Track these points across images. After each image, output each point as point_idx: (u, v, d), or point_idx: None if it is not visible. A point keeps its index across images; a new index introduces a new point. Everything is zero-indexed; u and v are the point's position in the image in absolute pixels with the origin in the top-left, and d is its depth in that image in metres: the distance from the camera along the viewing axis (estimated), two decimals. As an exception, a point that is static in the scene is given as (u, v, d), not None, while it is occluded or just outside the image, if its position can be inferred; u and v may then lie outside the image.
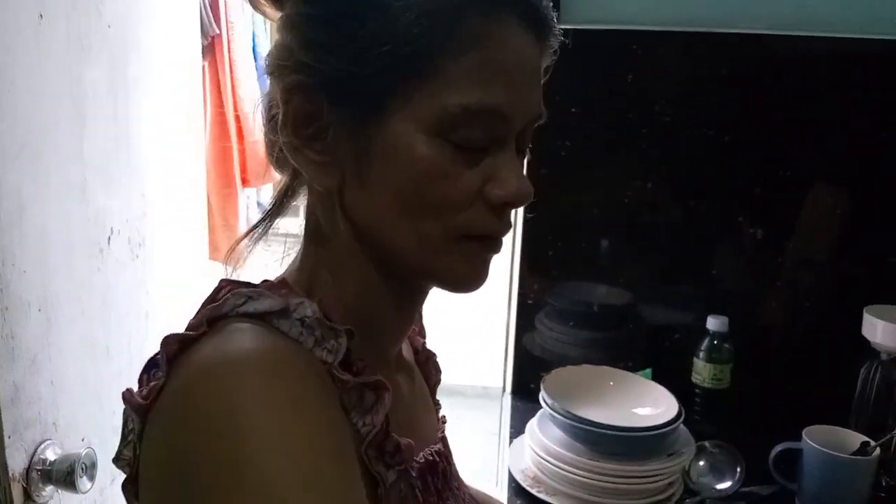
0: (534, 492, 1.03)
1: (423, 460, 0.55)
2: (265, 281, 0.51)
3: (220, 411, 0.41)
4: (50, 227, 0.86)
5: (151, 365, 0.48)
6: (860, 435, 1.05)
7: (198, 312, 0.49)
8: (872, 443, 1.02)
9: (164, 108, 1.14)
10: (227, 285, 0.50)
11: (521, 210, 1.30)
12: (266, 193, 2.20)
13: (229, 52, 1.96)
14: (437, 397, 0.70)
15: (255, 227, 0.57)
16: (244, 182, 1.97)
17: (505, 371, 1.40)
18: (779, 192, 1.24)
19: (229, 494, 0.39)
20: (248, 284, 0.50)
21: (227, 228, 1.87)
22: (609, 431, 0.99)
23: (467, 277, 0.51)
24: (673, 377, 1.21)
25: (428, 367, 0.68)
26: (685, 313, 1.29)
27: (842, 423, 1.10)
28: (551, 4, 0.51)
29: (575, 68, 1.23)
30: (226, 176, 1.91)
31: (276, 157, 0.53)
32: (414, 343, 0.68)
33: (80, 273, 0.94)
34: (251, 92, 1.98)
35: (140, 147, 1.06)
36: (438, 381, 0.68)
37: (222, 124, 1.90)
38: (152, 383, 0.46)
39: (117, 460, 0.48)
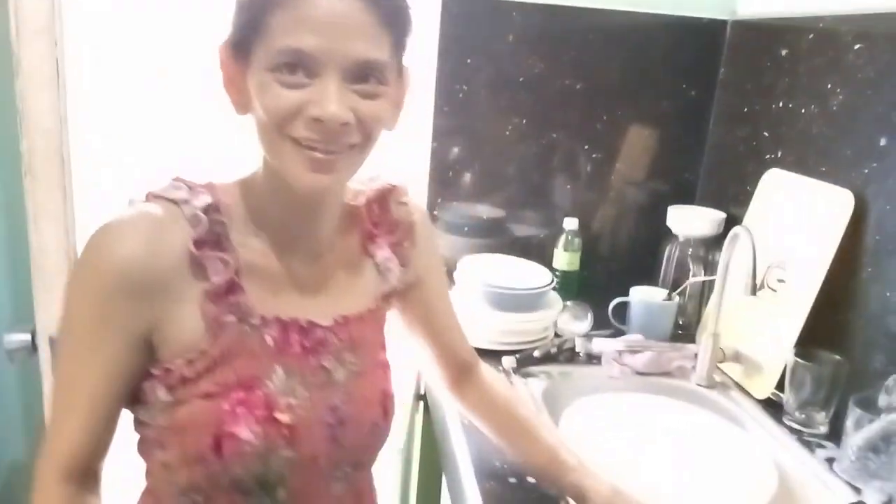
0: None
1: (275, 318, 0.71)
2: (209, 182, 0.72)
3: (80, 261, 0.65)
4: None
5: None
6: (665, 290, 1.52)
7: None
8: (674, 294, 1.52)
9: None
10: (175, 178, 0.70)
11: (429, 141, 1.64)
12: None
13: None
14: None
15: None
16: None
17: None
18: (614, 127, 1.64)
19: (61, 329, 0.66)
20: (187, 182, 0.70)
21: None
22: (508, 291, 1.38)
23: (300, 173, 0.66)
24: (541, 264, 1.63)
25: (385, 274, 0.84)
26: (549, 218, 1.69)
27: (655, 284, 1.58)
28: None
29: (470, 29, 1.57)
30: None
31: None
32: (371, 251, 0.83)
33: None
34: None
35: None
36: (387, 288, 0.84)
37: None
38: None
39: None
